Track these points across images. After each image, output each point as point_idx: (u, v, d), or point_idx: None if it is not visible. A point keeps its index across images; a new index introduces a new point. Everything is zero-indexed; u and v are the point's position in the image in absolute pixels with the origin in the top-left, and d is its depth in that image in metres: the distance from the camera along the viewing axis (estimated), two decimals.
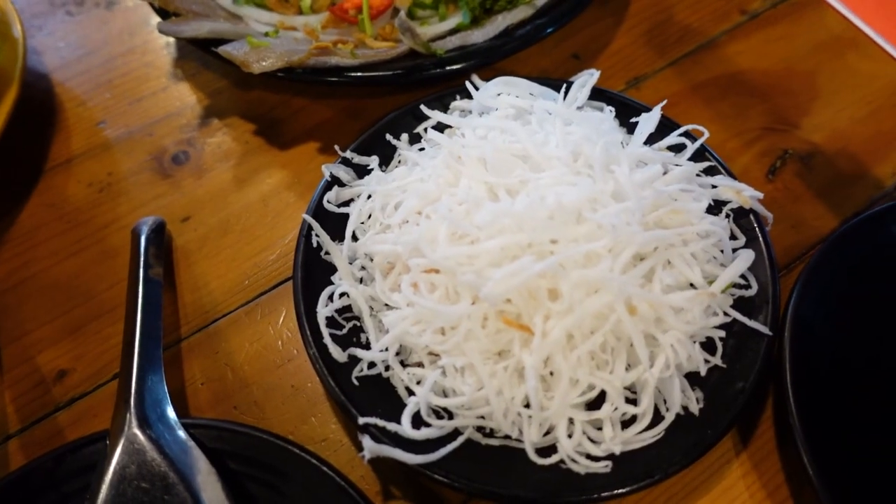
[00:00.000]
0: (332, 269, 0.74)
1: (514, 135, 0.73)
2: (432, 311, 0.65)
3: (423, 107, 0.82)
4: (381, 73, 0.87)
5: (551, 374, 0.65)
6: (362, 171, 0.80)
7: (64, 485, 0.64)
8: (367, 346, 0.70)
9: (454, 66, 0.87)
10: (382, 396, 0.67)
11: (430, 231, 0.67)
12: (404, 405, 0.65)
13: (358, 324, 0.72)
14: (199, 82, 0.99)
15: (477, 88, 0.83)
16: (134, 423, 0.63)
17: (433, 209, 0.69)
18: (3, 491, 0.63)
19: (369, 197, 0.77)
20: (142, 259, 0.77)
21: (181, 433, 0.65)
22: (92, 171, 0.91)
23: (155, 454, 0.61)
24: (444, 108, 0.84)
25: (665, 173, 0.74)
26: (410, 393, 0.67)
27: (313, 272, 0.73)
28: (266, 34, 0.92)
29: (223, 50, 0.85)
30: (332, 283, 0.72)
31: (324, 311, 0.70)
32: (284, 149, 0.92)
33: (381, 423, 0.63)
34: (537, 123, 0.76)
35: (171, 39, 1.03)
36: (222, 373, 0.76)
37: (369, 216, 0.76)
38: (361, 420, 0.63)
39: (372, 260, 0.73)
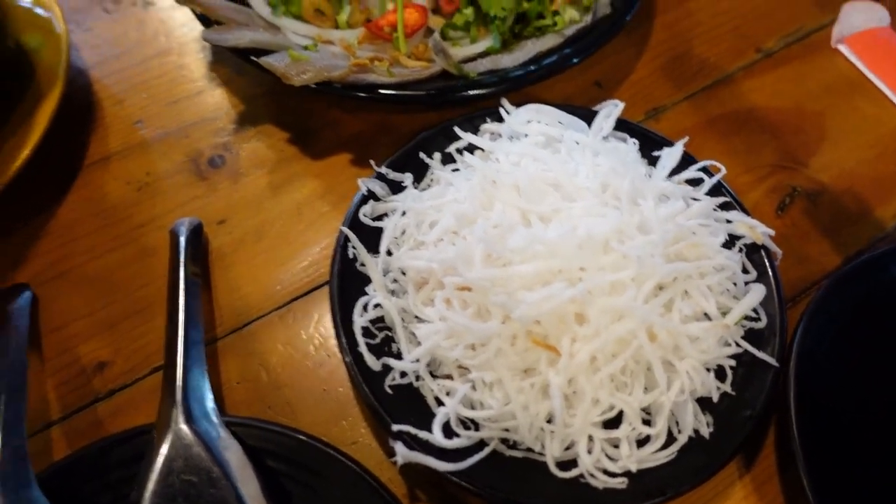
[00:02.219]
0: (365, 279, 0.77)
1: (546, 163, 0.78)
2: (464, 327, 0.69)
3: (456, 128, 0.86)
4: (415, 93, 0.90)
5: (574, 392, 0.69)
6: (395, 187, 0.84)
7: (109, 474, 0.67)
8: (398, 356, 0.73)
9: (484, 91, 0.91)
10: (412, 405, 0.71)
11: (466, 251, 0.71)
12: (433, 414, 0.68)
13: (389, 334, 0.75)
14: (234, 88, 1.02)
15: (508, 112, 0.87)
16: (181, 418, 0.66)
17: (470, 231, 0.73)
18: (52, 476, 0.66)
19: (404, 213, 0.80)
20: (182, 258, 0.80)
21: (223, 430, 0.68)
22: (129, 169, 0.94)
23: (200, 449, 0.65)
24: (475, 130, 0.88)
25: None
26: (439, 403, 0.71)
27: (348, 282, 0.76)
28: (305, 48, 0.95)
29: (265, 61, 0.88)
30: (364, 293, 0.76)
31: (360, 320, 0.73)
32: (317, 159, 0.95)
33: (413, 430, 0.67)
34: (566, 153, 0.80)
35: (206, 44, 1.06)
36: (257, 373, 0.79)
37: (403, 232, 0.79)
38: (395, 427, 0.67)
39: (405, 274, 0.77)
